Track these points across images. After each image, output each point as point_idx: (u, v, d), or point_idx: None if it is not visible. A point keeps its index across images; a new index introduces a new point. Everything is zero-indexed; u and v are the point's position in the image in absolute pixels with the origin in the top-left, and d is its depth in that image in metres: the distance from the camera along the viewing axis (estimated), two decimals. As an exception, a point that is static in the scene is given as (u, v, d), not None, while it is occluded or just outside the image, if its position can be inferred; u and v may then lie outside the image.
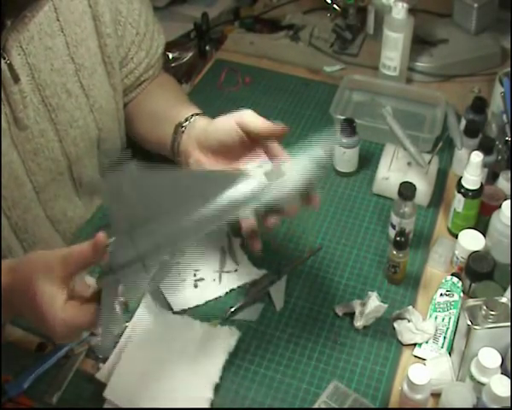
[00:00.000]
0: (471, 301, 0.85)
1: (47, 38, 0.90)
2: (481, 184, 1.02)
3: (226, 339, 0.91)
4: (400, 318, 0.95)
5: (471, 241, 0.99)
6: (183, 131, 0.97)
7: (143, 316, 0.94)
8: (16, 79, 0.87)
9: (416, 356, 0.92)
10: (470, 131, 1.14)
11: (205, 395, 0.86)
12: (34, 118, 0.91)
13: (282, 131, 0.84)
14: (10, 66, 0.86)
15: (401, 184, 1.02)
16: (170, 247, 0.73)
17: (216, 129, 0.90)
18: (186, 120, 0.98)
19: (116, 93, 1.06)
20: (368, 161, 1.22)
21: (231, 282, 1.01)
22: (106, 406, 0.86)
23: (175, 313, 0.97)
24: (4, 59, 0.85)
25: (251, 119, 0.86)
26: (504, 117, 1.15)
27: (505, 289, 0.92)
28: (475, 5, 1.40)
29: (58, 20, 0.92)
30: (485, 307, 0.82)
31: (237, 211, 0.76)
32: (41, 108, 0.92)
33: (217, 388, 0.88)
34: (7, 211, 0.94)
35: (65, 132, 0.97)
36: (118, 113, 1.08)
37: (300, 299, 1.00)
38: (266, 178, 0.77)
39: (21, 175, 0.93)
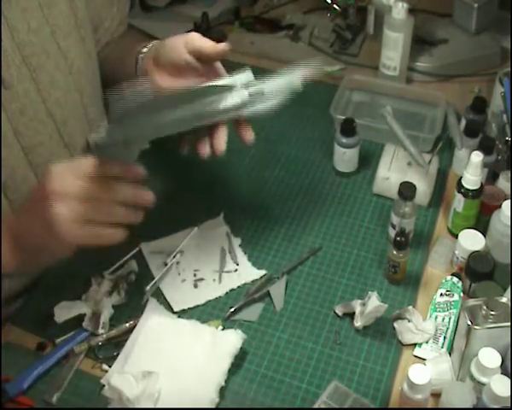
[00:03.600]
0: (471, 301, 0.85)
1: None
2: (481, 184, 1.02)
3: (232, 342, 0.91)
4: (400, 318, 0.95)
5: (471, 241, 0.99)
6: (143, 57, 1.01)
7: (149, 319, 0.95)
8: None
9: (416, 356, 0.92)
10: (470, 131, 1.14)
11: (210, 398, 0.86)
12: (17, 78, 0.93)
13: (226, 50, 0.91)
14: None
15: (401, 184, 1.02)
16: (154, 136, 0.81)
17: (166, 51, 0.95)
18: (146, 47, 1.02)
19: (90, 60, 1.07)
20: (368, 161, 1.22)
21: (231, 282, 1.01)
22: (111, 406, 0.86)
23: (176, 313, 0.97)
24: None
25: (199, 42, 0.92)
26: (504, 117, 1.15)
27: (505, 289, 0.92)
28: (475, 5, 1.40)
29: None
30: (485, 307, 0.82)
31: (219, 116, 0.86)
32: (22, 68, 0.93)
33: (221, 389, 0.88)
34: None
35: (47, 93, 0.98)
36: (94, 78, 1.09)
37: (300, 299, 1.00)
38: (248, 93, 0.88)
39: (9, 134, 0.94)
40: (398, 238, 0.96)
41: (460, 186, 1.03)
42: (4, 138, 0.93)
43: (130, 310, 0.98)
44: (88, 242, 0.81)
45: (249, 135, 0.92)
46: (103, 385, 0.87)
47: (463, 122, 1.19)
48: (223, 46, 0.91)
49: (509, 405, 0.77)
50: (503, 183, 1.07)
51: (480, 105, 1.19)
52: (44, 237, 0.81)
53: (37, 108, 0.97)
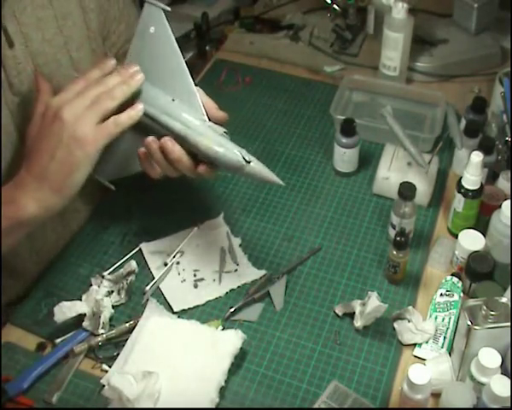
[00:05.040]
0: (471, 301, 0.85)
1: (38, 9, 0.93)
2: (481, 184, 1.02)
3: (232, 342, 0.91)
4: (400, 318, 0.95)
5: (471, 241, 0.99)
6: None
7: (149, 319, 0.95)
8: (11, 44, 0.89)
9: (416, 356, 0.92)
10: (470, 131, 1.14)
11: (210, 398, 0.86)
12: (28, 85, 0.93)
13: (224, 119, 0.93)
14: (5, 30, 0.88)
15: (401, 184, 1.02)
16: None
17: None
18: None
19: None
20: (368, 161, 1.22)
21: (231, 282, 1.01)
22: (111, 406, 0.86)
23: (176, 313, 0.97)
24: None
25: (203, 98, 0.93)
26: (504, 117, 1.15)
27: (505, 289, 0.92)
28: (475, 5, 1.40)
29: None
30: (485, 307, 0.82)
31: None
32: (33, 76, 0.93)
33: (221, 389, 0.88)
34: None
35: None
36: None
37: (300, 299, 1.00)
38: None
39: (15, 140, 0.94)
40: (398, 238, 0.96)
41: (460, 186, 1.03)
42: (11, 144, 0.94)
43: (130, 310, 0.98)
44: (110, 131, 0.84)
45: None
46: (103, 385, 0.87)
47: (463, 122, 1.19)
48: (222, 116, 0.92)
49: (509, 405, 0.77)
50: (503, 183, 1.07)
51: (480, 105, 1.19)
52: (67, 150, 0.83)
53: None
